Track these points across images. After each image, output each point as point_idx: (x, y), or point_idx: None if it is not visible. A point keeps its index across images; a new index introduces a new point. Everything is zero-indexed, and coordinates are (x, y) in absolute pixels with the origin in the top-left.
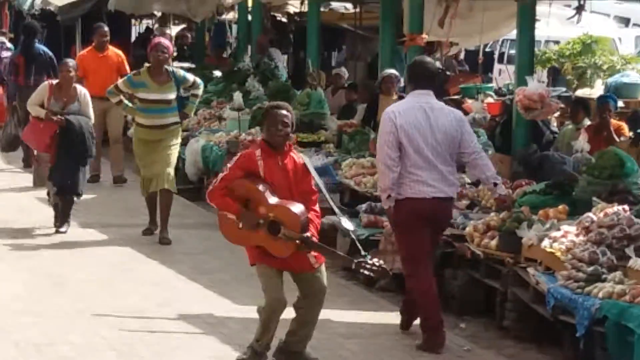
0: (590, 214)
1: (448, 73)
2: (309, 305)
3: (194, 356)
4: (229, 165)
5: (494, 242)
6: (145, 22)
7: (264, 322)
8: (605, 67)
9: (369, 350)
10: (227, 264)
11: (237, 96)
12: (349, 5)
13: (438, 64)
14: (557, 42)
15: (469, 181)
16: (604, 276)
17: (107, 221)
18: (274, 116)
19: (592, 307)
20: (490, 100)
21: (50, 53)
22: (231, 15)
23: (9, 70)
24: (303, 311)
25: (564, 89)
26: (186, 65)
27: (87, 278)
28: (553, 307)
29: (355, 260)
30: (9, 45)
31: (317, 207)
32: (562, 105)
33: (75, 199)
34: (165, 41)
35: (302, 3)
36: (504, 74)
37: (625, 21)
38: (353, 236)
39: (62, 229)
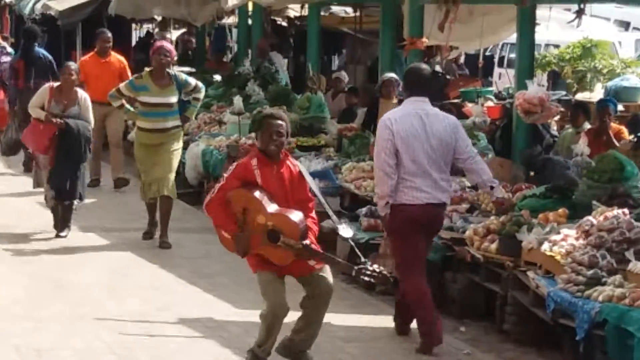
0: (590, 218)
1: (448, 77)
2: (314, 305)
3: None
4: (225, 175)
5: (494, 246)
6: (146, 27)
7: (267, 328)
8: (605, 70)
9: (369, 354)
10: (227, 268)
11: (238, 100)
12: (349, 9)
13: (438, 68)
14: (557, 46)
15: (469, 185)
16: (603, 280)
17: (107, 225)
18: (268, 126)
19: (592, 310)
20: (490, 104)
21: (50, 57)
22: (231, 20)
23: (9, 74)
24: (309, 311)
25: (564, 93)
26: (186, 69)
27: (87, 282)
28: (553, 311)
29: (356, 267)
30: (9, 49)
31: (313, 214)
32: (562, 109)
33: (76, 202)
34: (167, 45)
35: (302, 7)
36: (504, 78)
37: (625, 25)
38: (352, 243)
39: (63, 234)
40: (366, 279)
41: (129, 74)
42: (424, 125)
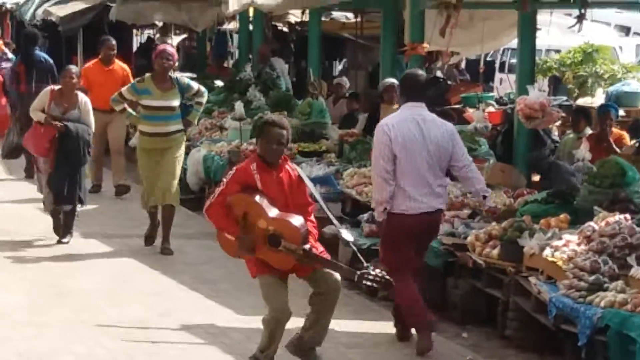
0: (591, 223)
1: (449, 82)
2: (322, 302)
3: None
4: (225, 179)
5: (495, 252)
6: (147, 33)
7: (269, 334)
8: (606, 76)
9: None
10: (229, 274)
11: (239, 106)
12: (350, 15)
13: (439, 73)
14: (558, 51)
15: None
16: (605, 285)
17: (108, 232)
18: (269, 133)
19: (594, 316)
20: (491, 109)
21: (51, 60)
22: (232, 25)
23: (10, 78)
24: (317, 307)
25: (565, 98)
26: (187, 75)
27: (89, 288)
28: (555, 316)
29: (358, 272)
30: (10, 55)
31: (312, 218)
32: (563, 114)
33: (78, 206)
34: (170, 48)
35: (303, 13)
36: (505, 83)
37: (626, 30)
38: (354, 247)
39: (64, 240)
40: (368, 283)
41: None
42: (422, 130)
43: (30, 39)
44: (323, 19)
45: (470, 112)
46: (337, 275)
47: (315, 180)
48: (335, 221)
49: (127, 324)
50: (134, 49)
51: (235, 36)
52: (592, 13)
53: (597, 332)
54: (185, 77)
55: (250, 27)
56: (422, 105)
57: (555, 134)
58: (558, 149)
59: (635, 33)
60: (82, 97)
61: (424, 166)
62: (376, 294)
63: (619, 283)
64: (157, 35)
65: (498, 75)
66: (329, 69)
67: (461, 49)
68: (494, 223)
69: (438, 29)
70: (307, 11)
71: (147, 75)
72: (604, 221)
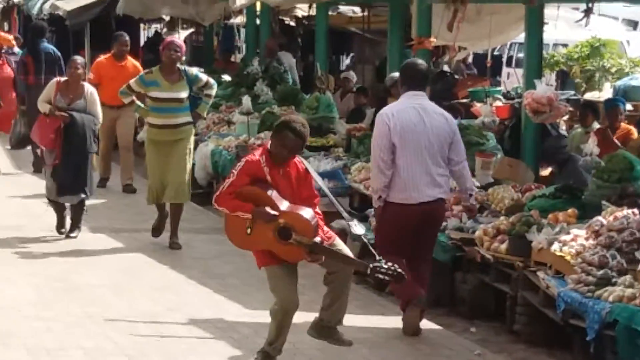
0: (599, 218)
1: (456, 76)
2: (336, 280)
3: None
4: (234, 171)
5: (503, 246)
6: (154, 27)
7: (278, 325)
8: (613, 70)
9: (379, 355)
10: (238, 269)
11: (246, 100)
12: (357, 9)
13: (446, 68)
14: (565, 45)
15: (478, 185)
16: (614, 280)
17: (117, 226)
18: (286, 138)
19: (602, 310)
20: (498, 103)
21: (59, 53)
22: (239, 19)
23: (17, 70)
24: (334, 285)
25: (572, 92)
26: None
27: (97, 283)
28: (563, 311)
29: (371, 265)
30: (15, 50)
31: (318, 210)
32: (571, 109)
33: (83, 196)
34: (178, 40)
35: (310, 7)
36: (512, 78)
37: (634, 24)
38: (365, 240)
39: (73, 234)
40: (381, 277)
41: None
42: (422, 119)
43: (38, 32)
44: (330, 13)
45: (477, 106)
46: (347, 250)
47: (322, 175)
48: (345, 215)
49: (136, 319)
50: (141, 43)
51: (243, 30)
52: (600, 7)
53: (605, 327)
54: (194, 69)
55: (258, 21)
56: (423, 94)
57: (562, 128)
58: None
59: None
60: (88, 88)
61: (424, 155)
62: (384, 288)
63: (628, 277)
64: (165, 30)
65: (505, 70)
66: (336, 64)
67: (468, 43)
68: (502, 217)
69: (445, 23)
70: (314, 5)
71: (155, 67)
72: (612, 216)
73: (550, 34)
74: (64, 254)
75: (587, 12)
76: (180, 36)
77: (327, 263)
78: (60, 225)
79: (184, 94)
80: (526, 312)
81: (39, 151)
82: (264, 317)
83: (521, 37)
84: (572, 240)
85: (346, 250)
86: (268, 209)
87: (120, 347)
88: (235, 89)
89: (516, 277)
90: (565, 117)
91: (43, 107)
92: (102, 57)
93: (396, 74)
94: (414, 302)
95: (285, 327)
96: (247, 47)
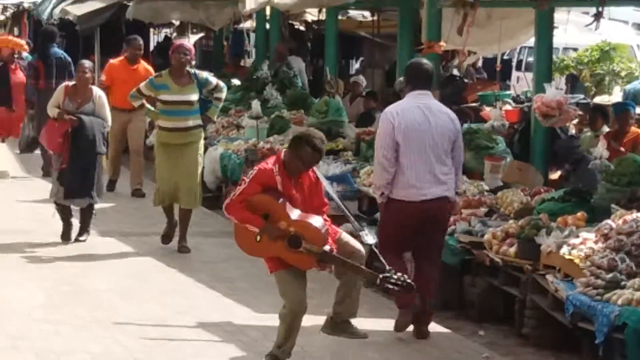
0: (609, 221)
1: (466, 81)
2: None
3: None
4: (246, 179)
5: (512, 249)
6: (164, 32)
7: (287, 327)
8: (623, 74)
9: (388, 357)
10: (246, 272)
11: (256, 104)
12: (367, 14)
13: (455, 72)
14: (575, 49)
15: (487, 188)
16: (623, 283)
17: (126, 230)
18: (304, 152)
19: (611, 314)
20: (508, 107)
21: (69, 58)
22: (249, 24)
23: (28, 74)
24: (346, 278)
25: (582, 96)
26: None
27: (106, 287)
28: (572, 314)
29: (381, 275)
30: (23, 55)
31: (326, 217)
32: (580, 112)
33: (90, 200)
34: (187, 44)
35: (320, 11)
36: (522, 82)
37: None
38: (376, 250)
39: (82, 238)
40: (390, 287)
41: None
42: (427, 118)
43: (48, 37)
44: (340, 17)
45: (487, 110)
46: (359, 246)
47: (332, 179)
48: (356, 225)
49: (144, 322)
50: (151, 48)
51: (252, 35)
52: (610, 11)
53: (614, 330)
54: (204, 72)
55: (267, 25)
56: (428, 93)
57: (572, 132)
58: None
59: None
60: (97, 91)
61: (428, 153)
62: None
63: (637, 281)
64: (174, 34)
65: (515, 74)
66: (345, 68)
67: (478, 47)
68: (511, 221)
69: (455, 27)
70: (324, 10)
71: (165, 70)
72: (622, 219)
73: (560, 38)
74: (73, 258)
75: (597, 16)
76: (190, 41)
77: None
78: (65, 233)
79: (194, 97)
80: (535, 315)
81: (48, 154)
82: (273, 320)
83: (531, 41)
84: (581, 244)
85: (353, 242)
86: (281, 223)
87: (128, 350)
88: (244, 93)
89: (525, 281)
90: (575, 121)
91: (52, 111)
92: (114, 60)
93: None
94: (406, 309)
95: (295, 330)
96: (256, 51)
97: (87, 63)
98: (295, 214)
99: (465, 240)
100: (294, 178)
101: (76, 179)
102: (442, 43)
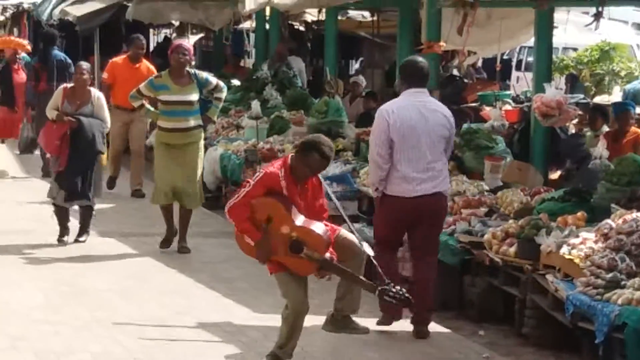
0: (608, 221)
1: (466, 80)
2: (349, 267)
3: None
4: (251, 181)
5: (512, 249)
6: (164, 32)
7: (290, 327)
8: (623, 73)
9: (388, 357)
10: (246, 273)
11: (255, 105)
12: (367, 14)
13: (455, 72)
14: (575, 49)
15: (487, 188)
16: (623, 283)
17: (125, 230)
18: (312, 158)
19: (611, 313)
20: (508, 107)
21: (70, 60)
22: (248, 24)
23: (28, 76)
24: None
25: (581, 96)
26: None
27: (106, 287)
28: (572, 314)
29: (379, 288)
30: (22, 55)
31: (326, 222)
32: (580, 112)
33: (88, 202)
34: (186, 43)
35: (319, 11)
36: (521, 81)
37: None
38: (375, 262)
39: (81, 239)
40: (388, 299)
41: None
42: (423, 115)
43: (49, 39)
44: (339, 17)
45: (487, 110)
46: (353, 238)
47: (332, 179)
48: (356, 234)
49: (144, 322)
50: (151, 48)
51: (252, 35)
52: (609, 11)
53: (614, 330)
54: (203, 72)
55: (267, 26)
56: (424, 90)
57: (572, 131)
58: None
59: None
60: (95, 93)
61: (423, 151)
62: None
63: (637, 280)
64: (174, 35)
65: (515, 74)
66: (345, 68)
67: (478, 48)
68: (511, 221)
69: (455, 27)
70: (324, 10)
71: (165, 71)
72: (622, 219)
73: (559, 38)
74: (73, 259)
75: (597, 16)
76: (189, 41)
77: (338, 252)
78: (61, 234)
79: (194, 97)
80: (535, 315)
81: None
82: (273, 320)
83: (531, 41)
84: (581, 244)
85: (352, 237)
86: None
87: (128, 351)
88: (244, 94)
89: (525, 280)
90: (575, 121)
91: (51, 113)
92: (117, 58)
93: None
94: (389, 318)
95: (297, 330)
96: (256, 51)
97: (84, 65)
98: (300, 220)
99: (465, 240)
100: (300, 183)
101: (77, 181)
102: (441, 43)
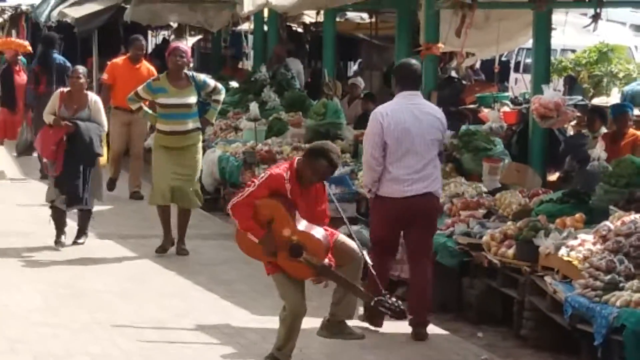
0: (607, 223)
1: (464, 82)
2: (346, 272)
3: None
4: (256, 182)
5: (511, 251)
6: (162, 34)
7: (287, 329)
8: (621, 75)
9: None
10: (245, 275)
11: (254, 107)
12: (365, 15)
13: (454, 73)
14: (573, 51)
15: (485, 190)
16: (621, 284)
17: (124, 232)
18: (318, 164)
19: (609, 315)
20: (506, 109)
21: (69, 63)
22: (247, 26)
23: (28, 79)
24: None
25: (580, 98)
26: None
27: (105, 289)
28: (571, 316)
29: (376, 298)
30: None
31: (326, 227)
32: (578, 114)
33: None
34: (183, 46)
35: (317, 13)
36: (520, 83)
37: None
38: (374, 272)
39: (80, 241)
40: (384, 310)
41: None
42: (416, 117)
43: (49, 42)
44: (338, 19)
45: (485, 112)
46: (352, 244)
47: (330, 181)
48: (358, 244)
49: (143, 325)
50: (149, 50)
51: (250, 37)
52: (607, 13)
53: (613, 332)
54: (201, 75)
55: (265, 27)
56: (418, 93)
57: (570, 133)
58: None
59: None
60: (92, 97)
61: (416, 152)
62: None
63: (635, 282)
64: (172, 37)
65: (513, 75)
66: (343, 70)
67: (477, 49)
68: (509, 223)
69: (453, 29)
70: (322, 12)
71: (163, 74)
72: (620, 220)
73: (558, 40)
74: (71, 261)
75: (595, 17)
76: (187, 43)
77: (336, 256)
78: (58, 237)
79: (192, 100)
80: (533, 317)
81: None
82: (272, 322)
83: (529, 42)
84: (580, 245)
85: (350, 242)
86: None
87: (127, 353)
88: (242, 96)
89: (523, 282)
90: (573, 122)
91: (48, 118)
92: (117, 59)
93: None
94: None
95: (295, 331)
96: (254, 53)
97: (80, 69)
98: (302, 224)
99: (463, 242)
100: (304, 187)
101: (76, 185)
102: (440, 45)
